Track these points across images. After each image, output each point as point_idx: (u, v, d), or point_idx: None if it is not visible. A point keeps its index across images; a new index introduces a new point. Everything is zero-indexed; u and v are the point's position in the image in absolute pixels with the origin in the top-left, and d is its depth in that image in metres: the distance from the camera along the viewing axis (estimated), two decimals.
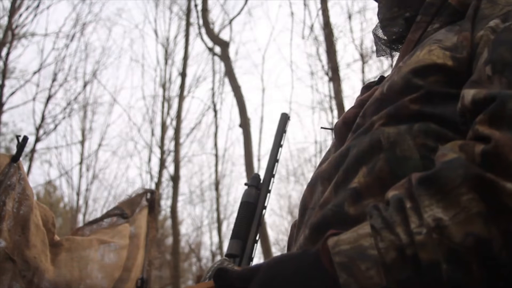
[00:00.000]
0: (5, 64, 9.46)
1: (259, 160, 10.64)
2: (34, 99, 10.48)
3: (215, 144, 12.28)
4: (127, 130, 21.52)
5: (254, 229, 0.94)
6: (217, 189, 12.45)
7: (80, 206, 13.30)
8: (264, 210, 0.98)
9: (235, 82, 9.14)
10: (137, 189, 2.40)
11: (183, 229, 14.07)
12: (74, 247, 1.99)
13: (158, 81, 12.63)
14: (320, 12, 7.93)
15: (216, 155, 12.31)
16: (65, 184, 18.27)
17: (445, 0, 0.84)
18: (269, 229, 12.02)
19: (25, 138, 1.91)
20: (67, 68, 11.15)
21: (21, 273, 1.74)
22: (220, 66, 11.69)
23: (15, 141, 1.90)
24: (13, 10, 9.54)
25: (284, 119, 1.11)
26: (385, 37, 0.98)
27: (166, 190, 11.74)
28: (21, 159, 1.88)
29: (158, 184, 11.30)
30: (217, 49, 10.23)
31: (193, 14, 11.57)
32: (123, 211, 2.26)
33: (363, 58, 8.82)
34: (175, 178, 10.90)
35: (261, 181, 1.01)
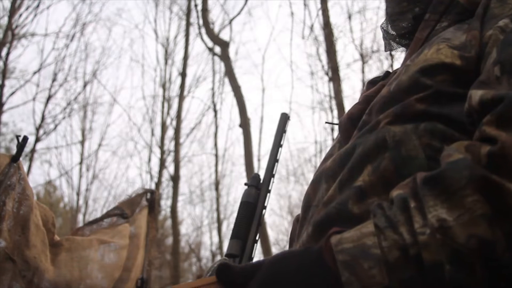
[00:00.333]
0: (5, 64, 9.46)
1: (259, 160, 10.65)
2: (34, 99, 10.47)
3: (215, 144, 12.30)
4: (127, 130, 21.54)
5: (254, 229, 0.94)
6: (217, 189, 12.46)
7: (80, 206, 13.31)
8: (264, 210, 0.98)
9: (235, 82, 9.14)
10: (137, 189, 2.39)
11: (183, 229, 14.10)
12: (74, 247, 1.99)
13: (158, 81, 12.65)
14: (320, 12, 7.93)
15: (216, 155, 12.32)
16: (65, 184, 18.30)
17: None
18: (269, 229, 12.03)
19: (25, 138, 1.91)
20: (67, 68, 11.15)
21: (21, 273, 1.74)
22: (220, 66, 11.71)
23: (15, 141, 1.89)
24: (13, 10, 9.54)
25: (284, 119, 1.11)
26: (394, 32, 0.97)
27: (166, 190, 11.75)
28: (21, 159, 1.88)
29: (158, 184, 11.30)
30: (217, 49, 10.23)
31: (193, 14, 11.59)
32: (123, 211, 2.26)
33: (363, 58, 8.82)
34: (175, 178, 10.90)
35: (261, 181, 1.01)
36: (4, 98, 9.47)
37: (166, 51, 12.70)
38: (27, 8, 9.86)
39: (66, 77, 11.06)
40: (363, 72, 8.78)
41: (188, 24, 11.84)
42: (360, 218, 0.64)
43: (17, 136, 1.91)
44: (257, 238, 0.95)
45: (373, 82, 0.94)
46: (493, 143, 0.57)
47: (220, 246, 12.34)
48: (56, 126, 10.76)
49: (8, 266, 1.72)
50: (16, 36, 9.88)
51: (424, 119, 0.71)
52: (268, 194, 1.00)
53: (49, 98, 10.56)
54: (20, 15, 9.81)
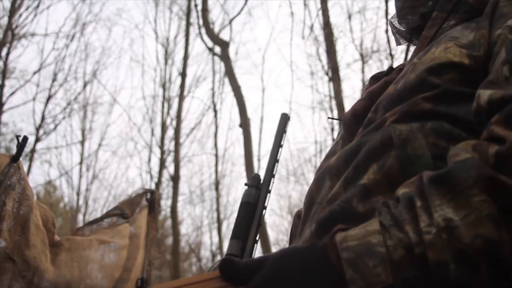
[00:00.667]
0: (5, 64, 9.46)
1: (259, 160, 10.65)
2: (34, 99, 10.48)
3: (215, 144, 12.30)
4: (127, 130, 21.52)
5: (254, 229, 0.94)
6: (217, 189, 12.46)
7: (80, 206, 13.31)
8: (264, 211, 0.98)
9: (235, 82, 9.14)
10: (137, 189, 2.39)
11: (183, 229, 14.10)
12: (74, 247, 1.99)
13: (158, 81, 12.65)
14: (320, 12, 7.93)
15: (216, 155, 12.32)
16: (65, 184, 18.27)
17: None
18: (269, 229, 12.04)
19: (25, 138, 1.91)
20: (67, 68, 11.15)
21: (21, 273, 1.74)
22: (220, 66, 11.71)
23: (15, 141, 1.89)
24: (13, 10, 9.54)
25: (284, 119, 1.11)
26: (403, 28, 0.97)
27: (166, 190, 11.75)
28: (21, 159, 1.88)
29: (158, 184, 11.30)
30: (217, 49, 10.24)
31: (193, 14, 11.59)
32: (123, 211, 2.26)
33: (363, 58, 8.81)
34: (175, 178, 10.90)
35: (261, 181, 1.01)
36: (4, 98, 9.48)
37: (166, 51, 12.71)
38: (27, 8, 9.87)
39: (66, 77, 11.08)
40: (363, 72, 8.77)
41: (188, 24, 11.84)
42: (365, 217, 0.63)
43: (17, 136, 1.91)
44: (257, 238, 0.95)
45: (376, 78, 0.94)
46: (501, 143, 0.57)
47: (220, 246, 12.35)
48: (56, 126, 10.78)
49: (8, 266, 1.72)
50: (16, 36, 9.89)
51: (431, 118, 0.71)
52: (268, 194, 1.00)
53: (49, 98, 10.57)
54: (20, 15, 9.83)
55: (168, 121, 12.06)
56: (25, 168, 3.31)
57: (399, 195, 0.60)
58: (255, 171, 8.75)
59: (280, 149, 1.06)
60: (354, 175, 0.74)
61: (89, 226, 2.21)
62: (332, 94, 8.56)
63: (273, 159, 1.04)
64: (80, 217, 13.30)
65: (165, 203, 12.07)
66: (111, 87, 20.90)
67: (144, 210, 2.31)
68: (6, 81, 9.60)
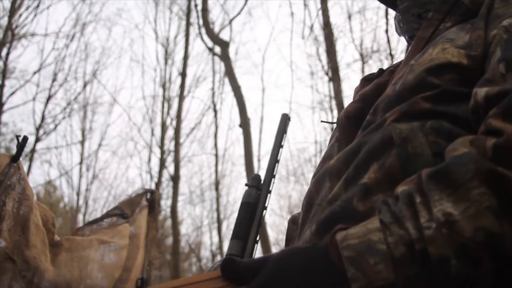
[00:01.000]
0: (5, 64, 9.47)
1: (259, 160, 10.66)
2: (34, 99, 10.48)
3: (215, 144, 12.30)
4: (127, 130, 21.49)
5: (254, 229, 0.94)
6: (217, 189, 12.46)
7: (80, 206, 13.31)
8: (264, 211, 0.98)
9: (235, 82, 9.15)
10: (137, 189, 2.39)
11: (183, 229, 14.09)
12: (74, 247, 1.99)
13: (158, 81, 12.65)
14: (320, 12, 7.93)
15: (216, 155, 12.32)
16: (65, 184, 18.26)
17: None
18: (269, 229, 12.04)
19: (25, 138, 1.91)
20: (67, 68, 11.16)
21: (21, 273, 1.74)
22: (220, 66, 11.71)
23: (15, 141, 1.89)
24: (13, 10, 9.54)
25: (285, 119, 1.11)
26: (405, 25, 0.96)
27: (166, 190, 11.75)
28: (21, 159, 1.88)
29: (158, 184, 11.30)
30: (217, 49, 10.25)
31: (193, 14, 11.59)
32: (123, 211, 2.26)
33: (363, 58, 8.81)
34: (175, 178, 10.90)
35: (262, 182, 1.01)
36: (4, 98, 9.48)
37: (166, 51, 12.71)
38: (27, 8, 9.88)
39: (66, 77, 11.09)
40: (363, 72, 8.77)
41: (188, 24, 11.85)
42: (365, 216, 0.63)
43: (17, 136, 1.91)
44: (257, 238, 0.95)
45: (367, 79, 0.94)
46: (498, 136, 0.57)
47: (220, 246, 12.35)
48: (56, 126, 10.79)
49: (8, 266, 1.72)
50: (16, 36, 9.89)
51: (431, 117, 0.71)
52: (268, 194, 1.00)
53: (49, 98, 10.57)
54: (20, 15, 9.83)
55: (168, 121, 12.08)
56: (25, 168, 3.31)
57: (398, 193, 0.60)
58: (255, 171, 8.76)
59: (281, 149, 1.06)
60: (354, 175, 0.74)
61: (89, 226, 2.21)
62: (332, 94, 8.57)
63: (274, 160, 1.04)
64: (80, 217, 13.31)
65: (165, 203, 12.08)
66: (111, 87, 20.93)
67: (144, 210, 2.31)
68: (6, 81, 9.61)
